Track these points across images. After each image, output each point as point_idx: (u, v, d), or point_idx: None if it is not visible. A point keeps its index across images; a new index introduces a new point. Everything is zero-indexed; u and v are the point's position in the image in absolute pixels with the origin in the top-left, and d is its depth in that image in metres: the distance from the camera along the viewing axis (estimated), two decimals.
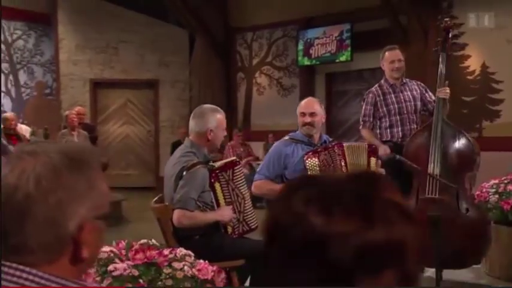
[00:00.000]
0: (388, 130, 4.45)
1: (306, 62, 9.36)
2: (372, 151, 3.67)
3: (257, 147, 9.21)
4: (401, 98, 4.45)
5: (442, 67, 4.13)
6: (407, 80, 4.58)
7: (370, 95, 4.52)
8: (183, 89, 10.67)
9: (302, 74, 9.65)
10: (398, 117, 4.42)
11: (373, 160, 3.64)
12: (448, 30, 4.15)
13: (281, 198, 0.77)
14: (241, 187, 3.15)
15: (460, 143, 3.97)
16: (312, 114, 3.60)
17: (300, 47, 9.35)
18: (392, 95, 4.46)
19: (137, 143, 10.67)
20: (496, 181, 4.41)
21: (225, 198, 3.08)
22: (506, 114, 7.62)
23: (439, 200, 3.87)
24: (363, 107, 4.56)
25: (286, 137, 3.73)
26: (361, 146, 3.74)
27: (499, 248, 4.22)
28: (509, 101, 7.59)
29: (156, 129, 10.56)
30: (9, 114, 7.93)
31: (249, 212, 3.20)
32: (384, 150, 4.09)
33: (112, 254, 1.98)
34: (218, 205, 3.04)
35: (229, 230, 3.11)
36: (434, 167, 3.90)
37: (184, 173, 2.92)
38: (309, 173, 3.48)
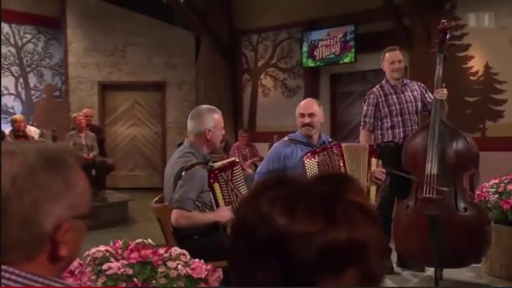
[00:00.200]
0: (390, 131, 4.44)
1: (311, 63, 9.35)
2: (373, 151, 3.66)
3: (262, 148, 9.20)
4: (403, 98, 4.44)
5: (439, 68, 4.12)
6: (408, 80, 4.58)
7: (372, 95, 4.52)
8: (190, 90, 10.69)
9: (306, 75, 9.64)
10: (400, 118, 4.41)
11: (373, 160, 3.63)
12: (445, 32, 4.13)
13: (249, 198, 0.78)
14: (241, 187, 3.15)
15: (457, 143, 3.95)
16: (311, 115, 3.60)
17: (305, 48, 9.34)
18: (394, 96, 4.45)
19: (144, 144, 10.70)
20: (496, 181, 4.40)
21: (224, 199, 3.07)
22: (509, 115, 7.58)
23: (437, 199, 3.86)
24: (364, 108, 4.56)
25: (286, 138, 3.74)
26: (362, 146, 3.74)
27: (499, 248, 4.21)
28: None
29: (163, 131, 10.59)
30: (18, 116, 8.00)
31: None
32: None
33: (108, 253, 1.98)
34: (217, 205, 3.04)
35: (228, 229, 3.11)
36: (431, 167, 3.89)
37: (183, 173, 2.93)
38: (308, 173, 3.48)
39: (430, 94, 4.48)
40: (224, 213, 3.01)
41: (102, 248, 1.98)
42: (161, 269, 1.96)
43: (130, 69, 10.51)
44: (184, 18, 10.17)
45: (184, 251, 2.15)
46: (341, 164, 3.49)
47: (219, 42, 10.28)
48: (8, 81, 10.04)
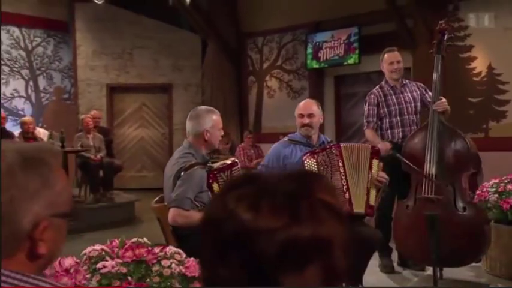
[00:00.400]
0: (389, 131, 4.44)
1: (315, 65, 9.34)
2: (375, 153, 3.64)
3: (267, 148, 9.13)
4: (402, 99, 4.43)
5: (437, 69, 4.09)
6: (407, 81, 4.56)
7: (372, 96, 4.51)
8: (196, 92, 10.72)
9: (311, 76, 9.63)
10: (399, 118, 4.40)
11: (375, 162, 3.60)
12: (443, 33, 4.12)
13: (218, 195, 0.78)
14: None
15: (456, 143, 3.94)
16: (310, 116, 3.59)
17: (309, 50, 9.34)
18: (393, 96, 4.44)
19: (152, 146, 10.73)
20: (496, 181, 4.37)
21: None
22: None
23: (436, 199, 3.85)
24: (366, 108, 4.55)
25: (285, 138, 3.73)
26: (363, 147, 3.72)
27: (499, 247, 4.19)
28: None
29: (170, 132, 10.62)
30: (27, 118, 8.06)
31: None
32: (384, 145, 4.08)
33: (103, 252, 1.99)
34: None
35: None
36: (430, 167, 3.87)
37: (182, 173, 2.93)
38: None
39: (430, 94, 4.46)
40: None
41: (97, 247, 1.99)
42: (155, 268, 1.97)
43: (137, 71, 10.55)
44: (190, 21, 10.19)
45: (180, 250, 2.15)
46: (340, 164, 3.48)
47: (225, 45, 10.29)
48: (18, 84, 10.12)
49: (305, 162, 3.47)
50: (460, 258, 3.92)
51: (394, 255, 4.55)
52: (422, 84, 4.58)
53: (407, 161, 3.89)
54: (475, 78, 7.88)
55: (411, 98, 4.44)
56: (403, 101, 4.42)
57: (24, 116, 9.16)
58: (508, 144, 7.41)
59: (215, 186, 3.04)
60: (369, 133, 4.50)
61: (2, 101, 9.83)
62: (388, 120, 4.43)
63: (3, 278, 0.90)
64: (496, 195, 4.19)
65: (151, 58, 10.53)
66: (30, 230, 0.92)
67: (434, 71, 4.12)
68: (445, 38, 4.14)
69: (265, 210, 0.69)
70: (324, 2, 9.10)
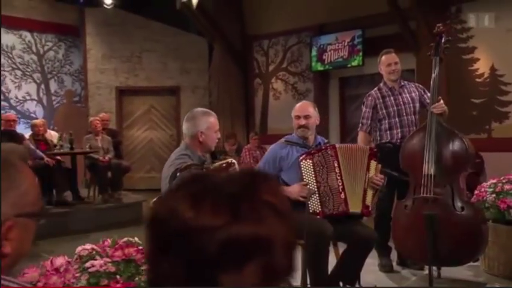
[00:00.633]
0: (388, 132, 4.42)
1: (320, 67, 9.31)
2: (373, 154, 3.63)
3: None
4: (400, 100, 4.41)
5: (435, 71, 4.07)
6: (405, 82, 4.54)
7: (370, 98, 4.50)
8: (203, 94, 10.74)
9: (316, 79, 9.61)
10: (397, 119, 4.38)
11: (373, 163, 3.60)
12: (440, 35, 4.10)
13: (165, 194, 0.78)
14: None
15: (454, 144, 3.91)
16: (307, 117, 3.59)
17: (314, 53, 9.32)
18: (392, 98, 4.42)
19: (160, 147, 10.77)
20: (494, 181, 4.34)
21: None
22: None
23: (434, 199, 3.82)
24: (363, 110, 4.54)
25: (282, 140, 3.73)
26: (361, 148, 3.71)
27: (497, 246, 4.16)
28: None
29: (178, 134, 10.62)
30: (37, 121, 8.11)
31: None
32: None
33: (94, 252, 2.00)
34: None
35: None
36: (428, 167, 3.84)
37: (177, 174, 2.93)
38: (304, 174, 3.47)
39: (428, 94, 4.43)
40: None
41: (88, 246, 2.00)
42: (144, 267, 1.97)
43: (146, 74, 10.60)
44: (197, 25, 10.22)
45: None
46: (335, 165, 3.47)
47: (231, 48, 10.30)
48: (30, 88, 10.20)
49: (301, 163, 3.47)
50: (458, 258, 3.89)
51: (394, 255, 4.53)
52: (420, 85, 4.56)
53: (394, 173, 3.89)
54: (477, 80, 7.82)
55: (409, 99, 4.42)
56: (401, 102, 4.40)
57: (36, 118, 9.22)
58: (510, 144, 7.35)
59: None
60: (360, 136, 4.49)
61: (14, 104, 9.94)
62: (387, 121, 4.41)
63: None
64: (494, 195, 4.15)
65: (160, 61, 10.57)
66: None
67: (432, 72, 4.09)
68: (443, 41, 4.11)
69: (207, 209, 0.69)
70: (328, 5, 9.09)
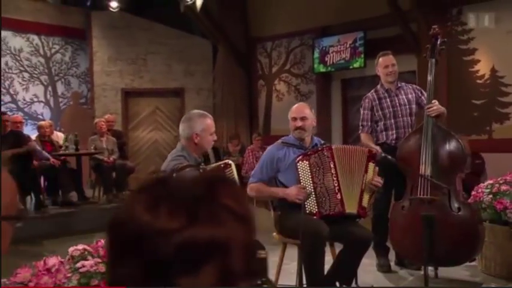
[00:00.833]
0: (384, 133, 4.41)
1: (322, 69, 9.30)
2: (372, 156, 3.62)
3: None
4: (396, 102, 4.40)
5: (431, 72, 4.05)
6: (402, 84, 4.52)
7: (367, 100, 4.50)
8: (207, 96, 10.75)
9: (318, 80, 9.60)
10: (393, 120, 4.37)
11: (371, 165, 3.59)
12: (436, 37, 4.08)
13: (128, 197, 0.79)
14: None
15: (450, 145, 3.89)
16: (303, 119, 3.58)
17: (316, 54, 9.30)
18: (388, 99, 4.41)
19: (165, 148, 10.76)
20: (491, 181, 4.32)
21: None
22: None
23: (431, 200, 3.81)
24: (361, 112, 4.54)
25: (279, 141, 3.73)
26: (359, 149, 3.69)
27: (494, 247, 4.14)
28: None
29: None
30: (44, 122, 8.16)
31: None
32: (376, 150, 4.04)
33: (86, 252, 2.00)
34: None
35: None
36: (425, 168, 3.83)
37: (173, 175, 2.93)
38: (301, 175, 3.46)
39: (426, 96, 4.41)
40: None
41: (80, 246, 2.00)
42: None
43: (151, 76, 10.62)
44: (201, 27, 10.24)
45: None
46: (331, 166, 3.46)
47: (235, 50, 10.31)
48: (38, 90, 10.25)
49: (298, 164, 3.46)
50: (455, 258, 3.88)
51: (392, 255, 4.51)
52: (418, 87, 4.54)
53: (394, 160, 3.88)
54: (478, 81, 7.79)
55: (406, 100, 4.40)
56: (397, 104, 4.38)
57: (44, 120, 9.26)
58: (511, 145, 7.31)
59: None
60: (363, 137, 4.48)
61: (22, 106, 9.99)
62: (382, 122, 4.40)
63: None
64: (491, 196, 4.13)
65: (164, 63, 10.59)
66: None
67: (428, 74, 4.08)
68: (439, 43, 4.10)
69: (163, 212, 0.69)
70: (331, 7, 9.07)
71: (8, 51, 9.85)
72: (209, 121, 3.20)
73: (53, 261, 1.94)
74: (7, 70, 9.82)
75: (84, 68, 10.73)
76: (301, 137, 3.60)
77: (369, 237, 3.47)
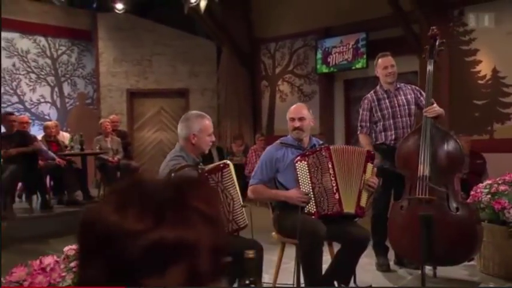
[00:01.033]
0: (383, 133, 4.39)
1: (324, 69, 9.29)
2: (370, 157, 3.61)
3: None
4: (395, 102, 4.38)
5: (429, 74, 4.02)
6: (401, 84, 4.50)
7: (366, 101, 4.48)
8: (212, 97, 10.76)
9: (321, 81, 9.59)
10: (392, 121, 4.35)
11: (369, 166, 3.58)
12: (435, 38, 4.05)
13: (101, 199, 0.79)
14: (231, 188, 3.13)
15: (448, 145, 3.87)
16: (301, 119, 3.57)
17: (319, 55, 9.30)
18: (387, 100, 4.40)
19: (170, 148, 10.67)
20: (490, 182, 4.29)
21: None
22: None
23: (429, 200, 3.79)
24: (360, 113, 4.52)
25: (278, 142, 3.72)
26: (357, 150, 3.67)
27: (492, 246, 4.12)
28: None
29: None
30: (49, 122, 8.18)
31: (238, 212, 3.18)
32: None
33: None
34: None
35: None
36: (423, 169, 3.81)
37: (172, 175, 2.93)
38: (299, 175, 3.45)
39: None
40: None
41: (75, 246, 2.00)
42: None
43: (156, 77, 10.65)
44: (205, 28, 10.25)
45: None
46: (329, 166, 3.45)
47: (238, 51, 10.32)
48: (45, 90, 10.30)
49: (296, 165, 3.46)
50: (453, 258, 3.85)
51: (391, 254, 4.49)
52: (417, 87, 4.52)
53: (391, 168, 3.87)
54: (480, 81, 7.76)
55: (405, 101, 4.38)
56: (396, 104, 4.36)
57: (50, 120, 9.30)
58: None
59: None
60: (361, 138, 4.48)
61: (29, 107, 10.04)
62: (381, 123, 4.39)
63: None
64: (489, 196, 4.11)
65: (169, 64, 10.61)
66: None
67: (427, 75, 4.06)
68: (437, 43, 4.07)
69: (131, 214, 0.69)
70: (333, 9, 9.07)
71: (16, 53, 9.90)
72: (207, 122, 3.18)
73: (48, 260, 1.94)
74: (14, 71, 9.88)
75: (90, 69, 10.77)
76: (300, 137, 3.59)
77: (366, 237, 3.46)
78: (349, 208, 3.48)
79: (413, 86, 4.52)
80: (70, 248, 1.99)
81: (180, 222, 0.70)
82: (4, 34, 9.61)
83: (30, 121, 8.55)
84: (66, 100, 10.54)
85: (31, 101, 10.10)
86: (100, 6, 10.58)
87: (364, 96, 4.55)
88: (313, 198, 3.44)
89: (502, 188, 4.10)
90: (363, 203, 3.55)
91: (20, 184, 7.52)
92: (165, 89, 10.63)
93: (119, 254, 0.67)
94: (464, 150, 3.90)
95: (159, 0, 10.20)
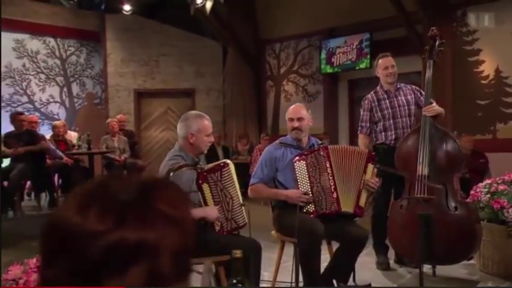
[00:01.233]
0: (383, 133, 4.37)
1: (328, 69, 9.27)
2: (371, 157, 3.59)
3: None
4: (395, 103, 4.35)
5: (428, 73, 3.99)
6: (402, 85, 4.47)
7: (366, 101, 4.46)
8: (217, 97, 10.77)
9: (325, 80, 9.57)
10: (392, 121, 4.33)
11: (370, 167, 3.56)
12: (434, 39, 4.02)
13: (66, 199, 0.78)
14: (230, 187, 3.13)
15: (447, 145, 3.84)
16: (300, 119, 3.56)
17: (323, 55, 9.27)
18: (387, 101, 4.37)
19: None
20: (489, 181, 4.26)
21: (213, 198, 3.07)
22: None
23: (428, 199, 3.76)
24: (361, 113, 4.50)
25: (277, 141, 3.71)
26: (356, 150, 3.64)
27: (491, 246, 4.09)
28: None
29: None
30: (58, 122, 8.24)
31: (237, 211, 3.17)
32: None
33: None
34: (206, 205, 3.04)
35: (218, 227, 3.10)
36: (422, 168, 3.79)
37: (170, 174, 2.93)
38: (298, 175, 3.44)
39: None
40: (210, 211, 3.00)
41: None
42: None
43: (163, 77, 10.67)
44: (212, 29, 10.26)
45: None
46: (327, 165, 3.44)
47: (244, 51, 10.31)
48: (54, 90, 10.35)
49: (295, 164, 3.45)
50: (452, 257, 3.82)
51: (392, 253, 4.47)
52: (417, 88, 4.48)
53: (388, 169, 3.85)
54: (483, 81, 7.71)
55: (405, 101, 4.36)
56: (396, 105, 4.34)
57: (59, 120, 9.35)
58: None
59: (205, 186, 3.05)
60: (360, 138, 4.45)
61: (39, 106, 10.09)
62: (381, 123, 4.36)
63: None
64: (488, 196, 4.07)
65: (176, 65, 10.63)
66: None
67: (426, 75, 4.03)
68: (437, 44, 4.04)
69: (93, 214, 0.69)
70: (337, 9, 9.04)
71: (26, 53, 9.96)
72: (206, 122, 3.17)
73: None
74: (24, 71, 9.94)
75: (99, 69, 10.81)
76: (298, 137, 3.58)
77: (364, 236, 3.43)
78: (347, 207, 3.46)
79: (413, 87, 4.48)
80: None
81: (142, 223, 0.69)
82: (15, 35, 9.68)
83: (39, 121, 8.61)
84: (75, 100, 10.59)
85: (41, 100, 10.16)
86: (108, 8, 10.62)
87: (365, 97, 4.53)
88: (311, 198, 3.42)
89: (501, 187, 4.06)
90: (362, 203, 3.53)
91: (28, 183, 7.58)
92: (172, 89, 10.66)
93: (80, 254, 0.67)
94: (463, 150, 3.86)
95: (166, 1, 10.22)
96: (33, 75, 10.05)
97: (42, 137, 7.22)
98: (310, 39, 9.72)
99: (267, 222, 3.68)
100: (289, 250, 3.63)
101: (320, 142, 3.75)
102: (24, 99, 9.92)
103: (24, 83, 9.92)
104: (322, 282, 3.37)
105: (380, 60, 4.40)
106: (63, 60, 10.47)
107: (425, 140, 3.83)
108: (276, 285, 3.60)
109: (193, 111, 3.33)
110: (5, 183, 6.62)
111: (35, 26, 9.93)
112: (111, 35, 10.64)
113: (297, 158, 3.45)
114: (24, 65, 9.90)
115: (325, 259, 3.46)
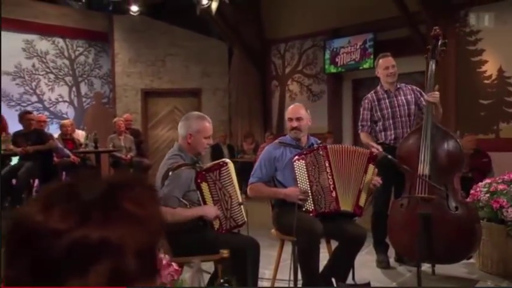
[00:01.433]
0: (383, 133, 4.34)
1: (332, 69, 9.23)
2: (372, 158, 3.57)
3: None
4: (395, 102, 4.32)
5: (431, 72, 3.96)
6: (402, 85, 4.44)
7: (366, 101, 4.44)
8: (223, 96, 10.76)
9: (330, 80, 9.54)
10: (391, 121, 4.30)
11: (371, 167, 3.53)
12: (437, 38, 3.99)
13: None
14: (228, 186, 3.12)
15: (448, 145, 3.81)
16: (299, 119, 3.55)
17: (327, 56, 9.24)
18: (387, 100, 4.34)
19: None
20: (489, 181, 4.22)
21: (212, 197, 3.06)
22: None
23: (428, 198, 3.73)
24: (361, 113, 4.47)
25: (276, 141, 3.70)
26: (359, 150, 3.62)
27: (490, 245, 4.06)
28: None
29: None
30: (66, 121, 8.26)
31: (236, 209, 3.16)
32: (376, 149, 3.98)
33: None
34: (205, 203, 3.03)
35: (217, 226, 3.09)
36: (424, 168, 3.76)
37: (170, 173, 2.93)
38: (297, 174, 3.43)
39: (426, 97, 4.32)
40: (209, 210, 2.99)
41: None
42: None
43: (169, 77, 10.68)
44: (218, 30, 10.25)
45: None
46: (326, 165, 3.42)
47: (250, 51, 10.30)
48: (63, 90, 10.39)
49: (294, 163, 3.43)
50: (451, 255, 3.80)
51: (392, 252, 4.45)
52: (417, 88, 4.45)
53: (397, 162, 3.82)
54: (485, 81, 7.65)
55: (405, 101, 4.33)
56: (396, 104, 4.31)
57: (68, 119, 9.38)
58: None
59: (204, 185, 3.04)
60: (362, 136, 4.42)
61: (48, 106, 10.14)
62: (381, 123, 4.33)
63: None
64: (488, 195, 4.04)
65: (182, 65, 10.64)
66: None
67: (428, 73, 3.99)
68: (439, 43, 4.00)
69: (56, 213, 0.68)
70: (342, 10, 9.00)
71: (35, 54, 10.00)
72: (206, 124, 3.14)
73: None
74: (34, 71, 9.98)
75: (106, 69, 10.83)
76: (297, 137, 3.57)
77: (363, 235, 3.41)
78: (346, 206, 3.44)
79: (413, 87, 4.45)
80: None
81: (106, 222, 0.68)
82: (24, 36, 9.73)
83: (47, 120, 8.64)
84: (83, 99, 10.62)
85: (50, 100, 10.19)
86: (116, 9, 10.60)
87: (365, 96, 4.51)
88: (310, 196, 3.41)
89: (500, 187, 4.02)
90: (362, 202, 3.51)
91: (37, 181, 7.61)
92: (178, 89, 10.66)
93: (42, 253, 0.66)
94: (464, 150, 3.82)
95: (172, 2, 10.22)
96: (42, 75, 10.09)
97: (50, 136, 7.24)
98: (315, 40, 9.69)
99: (267, 220, 3.68)
100: (289, 249, 3.62)
101: (319, 142, 3.73)
102: (34, 98, 9.97)
103: (34, 83, 9.97)
104: (321, 281, 3.35)
105: (380, 60, 4.38)
106: (72, 61, 10.50)
107: (427, 140, 3.80)
108: (275, 284, 3.59)
109: (196, 112, 3.31)
110: (14, 181, 6.66)
111: (44, 27, 9.97)
112: (119, 36, 10.66)
113: (297, 157, 3.43)
114: (33, 65, 9.94)
115: (324, 258, 3.45)
